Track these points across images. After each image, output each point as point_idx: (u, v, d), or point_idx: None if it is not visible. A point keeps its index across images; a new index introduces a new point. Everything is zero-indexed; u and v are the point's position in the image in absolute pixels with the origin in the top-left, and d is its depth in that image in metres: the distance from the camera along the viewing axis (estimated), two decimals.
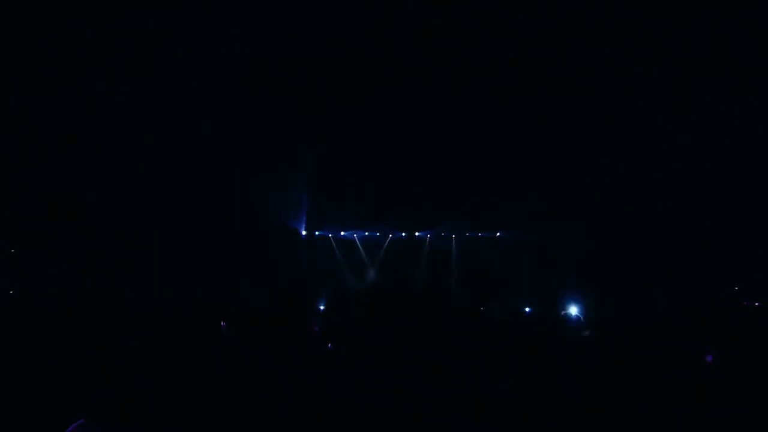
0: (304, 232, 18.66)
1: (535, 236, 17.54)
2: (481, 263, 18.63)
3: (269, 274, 16.26)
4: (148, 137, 15.14)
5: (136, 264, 15.37)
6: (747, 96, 14.12)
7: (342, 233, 18.97)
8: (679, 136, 15.12)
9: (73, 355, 4.77)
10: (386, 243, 19.10)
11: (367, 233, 19.11)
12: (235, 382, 4.10)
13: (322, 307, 14.87)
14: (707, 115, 14.71)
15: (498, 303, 16.45)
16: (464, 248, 19.39)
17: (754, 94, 14.00)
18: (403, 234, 19.17)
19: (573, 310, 15.94)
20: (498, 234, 18.76)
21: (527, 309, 16.34)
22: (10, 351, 4.79)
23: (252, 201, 16.26)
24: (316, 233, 18.85)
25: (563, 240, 17.30)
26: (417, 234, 19.20)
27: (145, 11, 12.98)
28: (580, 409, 4.19)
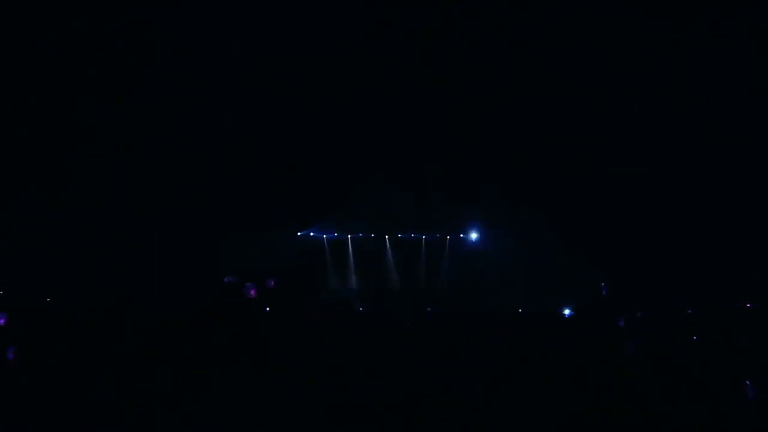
0: (299, 233, 18.67)
1: (535, 236, 17.51)
2: (478, 264, 18.60)
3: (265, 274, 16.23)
4: (148, 137, 15.16)
5: (136, 264, 15.36)
6: (747, 96, 14.13)
7: (335, 234, 18.92)
8: (679, 136, 15.13)
9: (73, 356, 4.77)
10: (387, 244, 19.11)
11: (361, 234, 19.06)
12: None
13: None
14: (707, 115, 14.72)
15: (494, 303, 16.50)
16: (460, 249, 19.40)
17: (754, 94, 14.00)
18: (400, 235, 19.16)
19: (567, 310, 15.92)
20: (497, 234, 18.73)
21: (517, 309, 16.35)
22: (9, 351, 4.79)
23: (250, 201, 16.26)
24: (311, 234, 18.82)
25: (563, 240, 17.28)
26: (413, 235, 19.20)
27: (145, 11, 13.00)
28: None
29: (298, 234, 18.73)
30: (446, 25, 13.85)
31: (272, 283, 8.20)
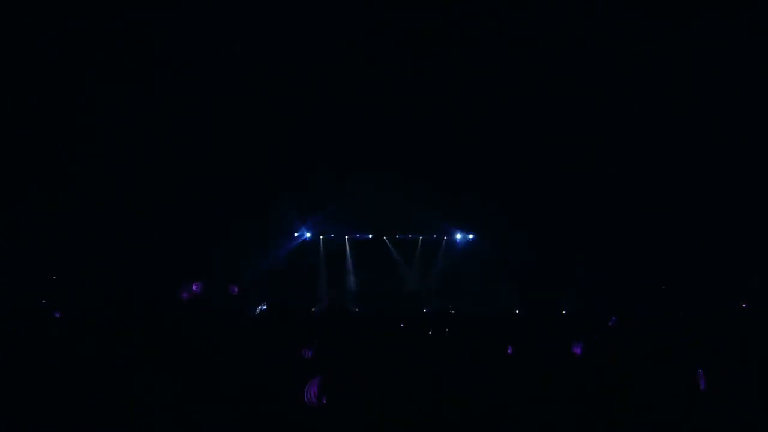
0: (296, 234, 18.68)
1: (534, 237, 17.51)
2: (475, 265, 18.59)
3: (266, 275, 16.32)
4: (148, 137, 15.16)
5: (136, 264, 15.36)
6: (747, 96, 14.12)
7: (332, 235, 18.90)
8: (679, 136, 15.12)
9: (73, 357, 4.76)
10: (389, 245, 19.14)
11: (358, 235, 19.05)
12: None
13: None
14: (707, 115, 14.71)
15: (493, 304, 16.55)
16: (457, 249, 19.42)
17: (754, 94, 13.99)
18: (397, 236, 19.19)
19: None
20: (495, 235, 18.73)
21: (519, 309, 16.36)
22: (9, 352, 4.78)
23: (249, 201, 16.27)
24: (308, 234, 18.82)
25: (563, 241, 17.29)
26: (410, 236, 19.22)
27: (145, 11, 13.00)
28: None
29: (296, 235, 18.75)
30: (446, 25, 13.85)
31: (236, 289, 8.12)
